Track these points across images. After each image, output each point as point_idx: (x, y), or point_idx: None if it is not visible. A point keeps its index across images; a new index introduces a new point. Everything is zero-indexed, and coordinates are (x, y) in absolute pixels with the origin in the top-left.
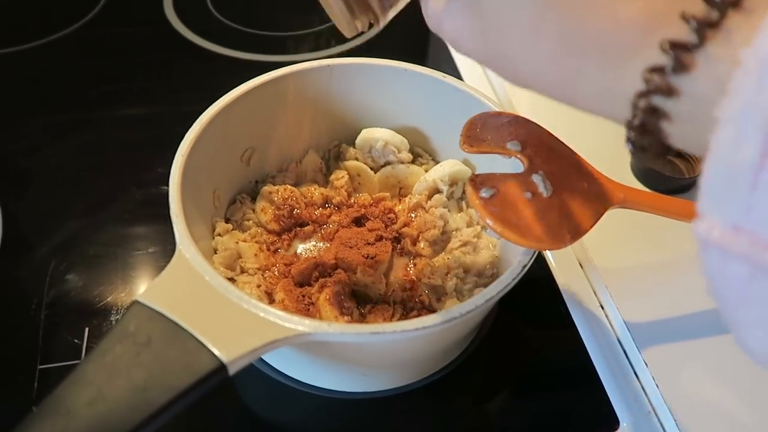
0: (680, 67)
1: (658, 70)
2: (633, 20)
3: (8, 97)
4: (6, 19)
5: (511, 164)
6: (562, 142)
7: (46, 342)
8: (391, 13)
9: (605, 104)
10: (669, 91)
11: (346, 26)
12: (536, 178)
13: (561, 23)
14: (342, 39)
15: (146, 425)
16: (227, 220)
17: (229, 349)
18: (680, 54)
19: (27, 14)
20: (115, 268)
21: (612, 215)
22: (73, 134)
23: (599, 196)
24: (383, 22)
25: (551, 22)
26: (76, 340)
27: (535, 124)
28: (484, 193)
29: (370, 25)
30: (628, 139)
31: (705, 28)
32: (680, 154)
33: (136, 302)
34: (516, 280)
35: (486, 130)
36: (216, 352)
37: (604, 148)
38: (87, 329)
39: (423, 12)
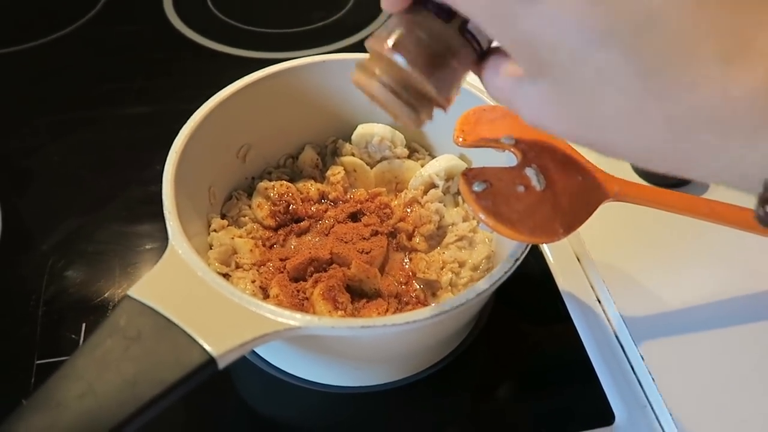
0: None
1: None
2: (752, 97)
3: (9, 96)
4: (7, 19)
5: (507, 159)
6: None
7: (44, 338)
8: (454, 95)
9: (731, 179)
10: None
11: (413, 124)
12: (529, 172)
13: (667, 108)
14: (341, 36)
15: (135, 418)
16: (223, 216)
17: (218, 343)
18: None
19: (27, 14)
20: (113, 265)
21: (609, 209)
22: (74, 133)
23: (594, 190)
24: (450, 105)
25: (656, 108)
26: (73, 336)
27: None
28: (477, 187)
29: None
30: (760, 216)
31: None
32: None
33: (126, 297)
34: (508, 274)
35: (480, 124)
36: (205, 346)
37: None
38: (84, 325)
39: (486, 88)
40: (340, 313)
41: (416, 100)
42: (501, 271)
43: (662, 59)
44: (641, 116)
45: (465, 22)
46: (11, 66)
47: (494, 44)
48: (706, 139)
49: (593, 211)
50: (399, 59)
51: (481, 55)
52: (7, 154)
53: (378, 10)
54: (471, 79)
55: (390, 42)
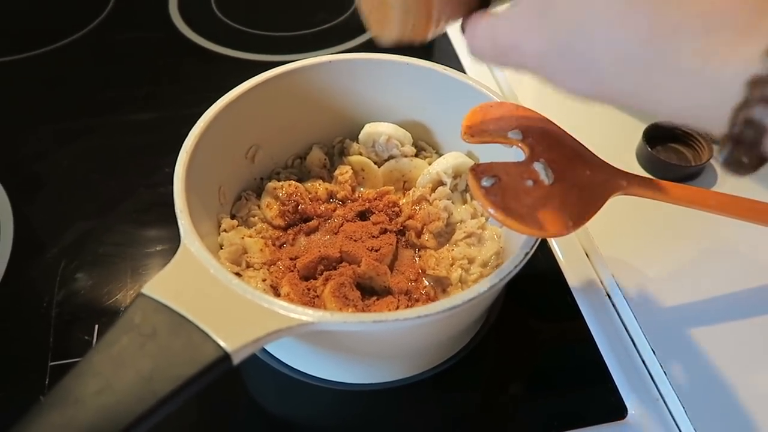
0: None
1: None
2: (742, 3)
3: (18, 103)
4: (14, 27)
5: (514, 154)
6: (564, 131)
7: (57, 339)
8: (439, 31)
9: (700, 99)
10: None
11: (397, 29)
12: (538, 167)
13: (652, 6)
14: (346, 38)
15: (152, 414)
16: (233, 217)
17: (233, 339)
18: None
19: (35, 21)
20: (124, 267)
21: (617, 203)
22: (83, 138)
23: (602, 184)
24: (429, 37)
25: (640, 7)
26: (86, 337)
27: (537, 113)
28: (486, 182)
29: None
30: (727, 142)
31: None
32: (686, 143)
33: (141, 294)
34: (519, 268)
35: (487, 120)
36: (220, 342)
37: (609, 137)
38: (97, 326)
39: (466, 35)
40: (350, 310)
41: (415, 12)
42: (512, 264)
43: None
44: (628, 9)
45: None
46: (19, 73)
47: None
48: (687, 42)
49: (602, 205)
50: None
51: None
52: (16, 160)
53: None
54: (480, 78)
55: None
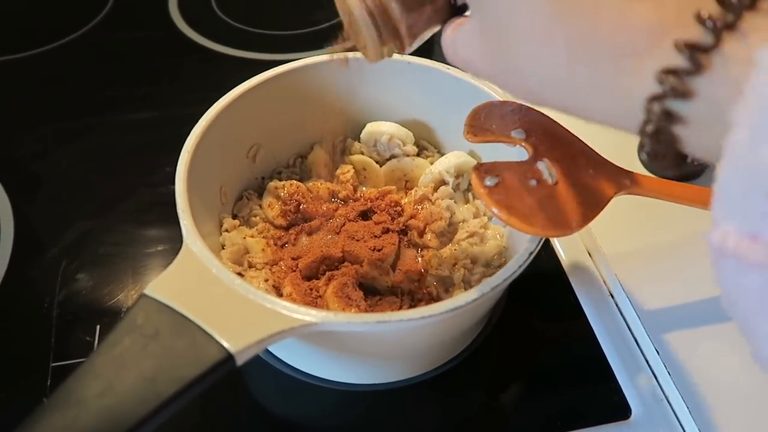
0: (696, 68)
1: (672, 71)
2: (644, 23)
3: (17, 102)
4: (13, 26)
5: (517, 153)
6: (567, 130)
7: (59, 340)
8: (417, 43)
9: (619, 113)
10: (684, 93)
11: (373, 52)
12: (541, 166)
13: (570, 30)
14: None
15: (155, 416)
16: (234, 216)
17: (236, 339)
18: (695, 55)
19: (34, 20)
20: (125, 267)
21: (620, 202)
22: (83, 137)
23: (606, 183)
24: (408, 50)
25: (560, 30)
26: (87, 338)
27: (540, 112)
28: (489, 182)
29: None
30: (642, 147)
31: (721, 29)
32: None
33: (143, 295)
34: (522, 268)
35: (490, 119)
36: (223, 342)
37: (611, 135)
38: (98, 327)
39: (442, 43)
40: (353, 310)
41: (386, 31)
42: (516, 264)
43: None
44: (547, 41)
45: None
46: (18, 72)
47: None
48: (601, 64)
49: (606, 205)
50: None
51: (454, 14)
52: (16, 160)
53: None
54: None
55: None
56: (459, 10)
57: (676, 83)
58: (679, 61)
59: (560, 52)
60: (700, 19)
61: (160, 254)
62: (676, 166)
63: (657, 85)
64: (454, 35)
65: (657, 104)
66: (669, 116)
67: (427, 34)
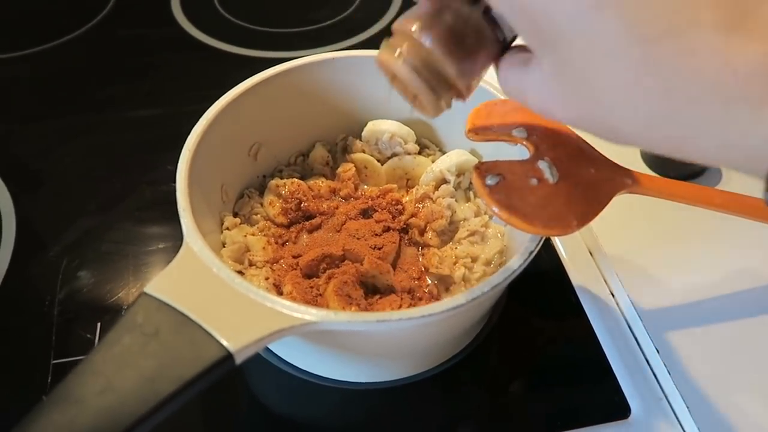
0: None
1: None
2: (755, 67)
3: (19, 100)
4: (15, 24)
5: (518, 152)
6: (569, 128)
7: (60, 338)
8: (475, 85)
9: (734, 157)
10: None
11: (432, 109)
12: (542, 165)
13: (665, 79)
14: (349, 34)
15: (155, 414)
16: (235, 215)
17: (235, 338)
18: None
19: (37, 18)
20: (126, 265)
21: (622, 201)
22: (85, 135)
23: (607, 182)
24: (469, 96)
25: (653, 79)
26: (88, 335)
27: None
28: (490, 181)
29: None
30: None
31: None
32: None
33: (143, 294)
34: (523, 267)
35: (491, 118)
36: (223, 341)
37: None
38: (99, 324)
39: (500, 81)
40: (353, 308)
41: (437, 83)
42: (516, 263)
43: (660, 26)
44: (640, 87)
45: (488, 8)
46: (21, 70)
47: (516, 42)
48: (708, 111)
49: (607, 203)
50: (425, 39)
51: (504, 48)
52: (17, 158)
53: (385, 9)
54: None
55: (417, 22)
56: (510, 44)
57: None
58: None
59: (658, 102)
60: None
61: (162, 252)
62: None
63: None
64: (518, 79)
65: None
66: None
67: (482, 76)
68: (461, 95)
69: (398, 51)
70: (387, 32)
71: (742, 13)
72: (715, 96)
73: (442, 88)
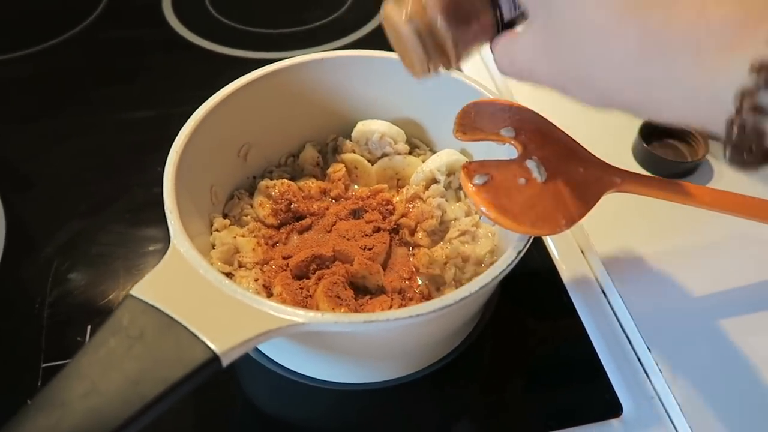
0: None
1: (763, 67)
2: (728, 17)
3: (10, 101)
4: (5, 25)
5: (507, 152)
6: (558, 128)
7: (50, 340)
8: (464, 59)
9: (697, 109)
10: None
11: (420, 69)
12: (530, 164)
13: (644, 23)
14: (340, 35)
15: (140, 417)
16: (225, 216)
17: (222, 340)
18: None
19: (27, 19)
20: (117, 267)
21: (612, 200)
22: (76, 137)
23: (596, 181)
24: (455, 66)
25: (632, 23)
26: (79, 338)
27: (531, 110)
28: (478, 180)
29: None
30: (727, 145)
31: None
32: (682, 138)
33: (129, 296)
34: (511, 267)
35: (480, 117)
36: (209, 343)
37: (605, 133)
38: (89, 327)
39: (493, 56)
40: (343, 309)
41: (433, 48)
42: (504, 263)
43: None
44: (618, 33)
45: None
46: (11, 71)
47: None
48: (679, 58)
49: (596, 203)
50: (432, 8)
51: (500, 29)
52: (8, 159)
53: (375, 10)
54: (476, 75)
55: None
56: (506, 27)
57: (764, 80)
58: None
59: (633, 47)
60: None
61: (153, 254)
62: (759, 165)
63: (749, 79)
64: (509, 46)
65: (748, 99)
66: (761, 111)
67: (474, 51)
68: (449, 63)
69: (405, 12)
70: (378, 33)
71: None
72: (687, 43)
73: (436, 53)
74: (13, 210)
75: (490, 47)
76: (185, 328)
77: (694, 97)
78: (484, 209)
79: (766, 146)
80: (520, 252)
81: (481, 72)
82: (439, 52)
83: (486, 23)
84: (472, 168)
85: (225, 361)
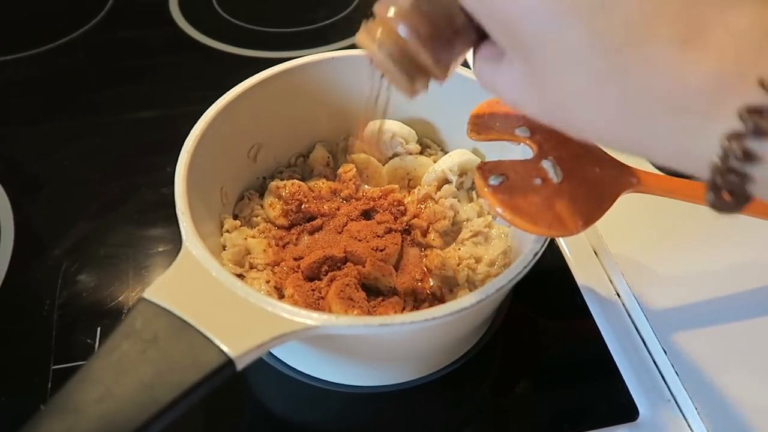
0: (760, 132)
1: (736, 136)
2: (704, 82)
3: (17, 102)
4: (13, 26)
5: (521, 151)
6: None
7: (60, 342)
8: (453, 68)
9: (683, 162)
10: (749, 157)
11: (407, 89)
12: (546, 164)
13: (623, 87)
14: (348, 34)
15: (154, 422)
16: (236, 217)
17: (236, 344)
18: (759, 120)
19: (33, 20)
20: (126, 268)
21: (627, 200)
22: (83, 137)
23: (612, 181)
24: (445, 80)
25: (612, 87)
26: (88, 340)
27: None
28: (493, 181)
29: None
30: (710, 190)
31: None
32: None
33: (142, 299)
34: (527, 269)
35: (494, 117)
36: (223, 347)
37: None
38: (99, 329)
39: (475, 73)
40: (356, 311)
41: (412, 69)
42: (521, 265)
43: (621, 39)
44: (600, 94)
45: None
46: (19, 72)
47: None
48: (660, 120)
49: (612, 203)
50: (401, 27)
51: (482, 35)
52: (17, 160)
53: None
54: None
55: (393, 9)
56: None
57: (740, 148)
58: (743, 126)
59: (614, 108)
60: (764, 85)
61: (162, 255)
62: (738, 211)
63: (721, 149)
64: (492, 72)
65: (723, 164)
66: (737, 174)
67: (459, 60)
68: (438, 79)
69: (375, 38)
70: None
71: (700, 27)
72: (666, 106)
73: (418, 73)
74: (21, 212)
75: (473, 57)
76: (198, 331)
77: (681, 155)
78: (499, 210)
79: (748, 192)
80: (536, 254)
81: None
82: (420, 71)
83: (465, 35)
84: (487, 168)
85: (239, 365)
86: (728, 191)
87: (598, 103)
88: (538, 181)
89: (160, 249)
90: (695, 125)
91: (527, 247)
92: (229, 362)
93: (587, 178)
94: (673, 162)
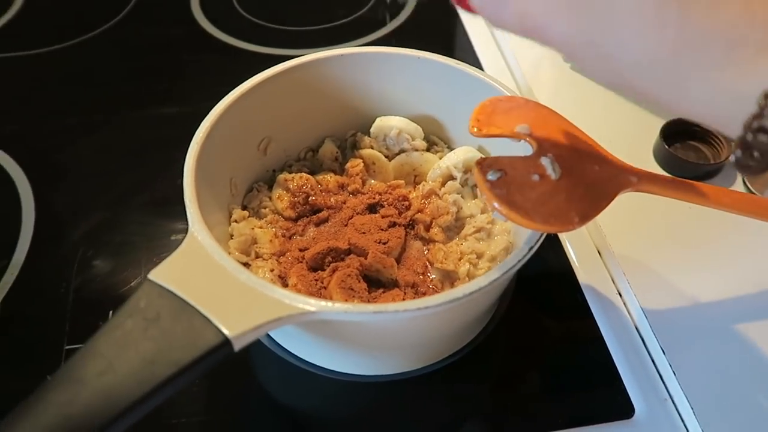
0: None
1: None
2: None
3: (44, 95)
4: (38, 22)
5: (524, 149)
6: (575, 126)
7: (73, 324)
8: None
9: (718, 106)
10: None
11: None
12: (545, 161)
13: (684, 12)
14: (364, 32)
15: (152, 396)
16: (244, 208)
17: (234, 325)
18: None
19: (60, 16)
20: (139, 256)
21: (629, 200)
22: (104, 130)
23: (611, 180)
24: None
25: (673, 10)
26: (100, 322)
27: (547, 108)
28: (491, 176)
29: None
30: (738, 147)
31: None
32: (705, 140)
33: (147, 279)
34: (522, 262)
35: (496, 114)
36: (221, 327)
37: (626, 134)
38: (111, 312)
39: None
40: (356, 301)
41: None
42: (515, 259)
43: None
44: (657, 17)
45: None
46: (44, 66)
47: None
48: (714, 50)
49: (610, 201)
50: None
51: None
52: (41, 150)
53: (399, 7)
54: (496, 73)
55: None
56: None
57: None
58: None
59: (669, 34)
60: None
61: (175, 244)
62: (764, 170)
63: (756, 106)
64: None
65: (756, 121)
66: (767, 134)
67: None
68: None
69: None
70: (402, 30)
71: None
72: (726, 36)
73: None
74: (43, 199)
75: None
76: (198, 311)
77: (718, 94)
78: (496, 205)
79: None
80: (531, 248)
81: (502, 70)
82: None
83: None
84: (486, 164)
85: (236, 346)
86: (758, 151)
87: (655, 25)
88: (536, 177)
89: (172, 238)
90: (747, 60)
91: (525, 241)
92: (226, 342)
93: (586, 175)
94: (704, 107)
